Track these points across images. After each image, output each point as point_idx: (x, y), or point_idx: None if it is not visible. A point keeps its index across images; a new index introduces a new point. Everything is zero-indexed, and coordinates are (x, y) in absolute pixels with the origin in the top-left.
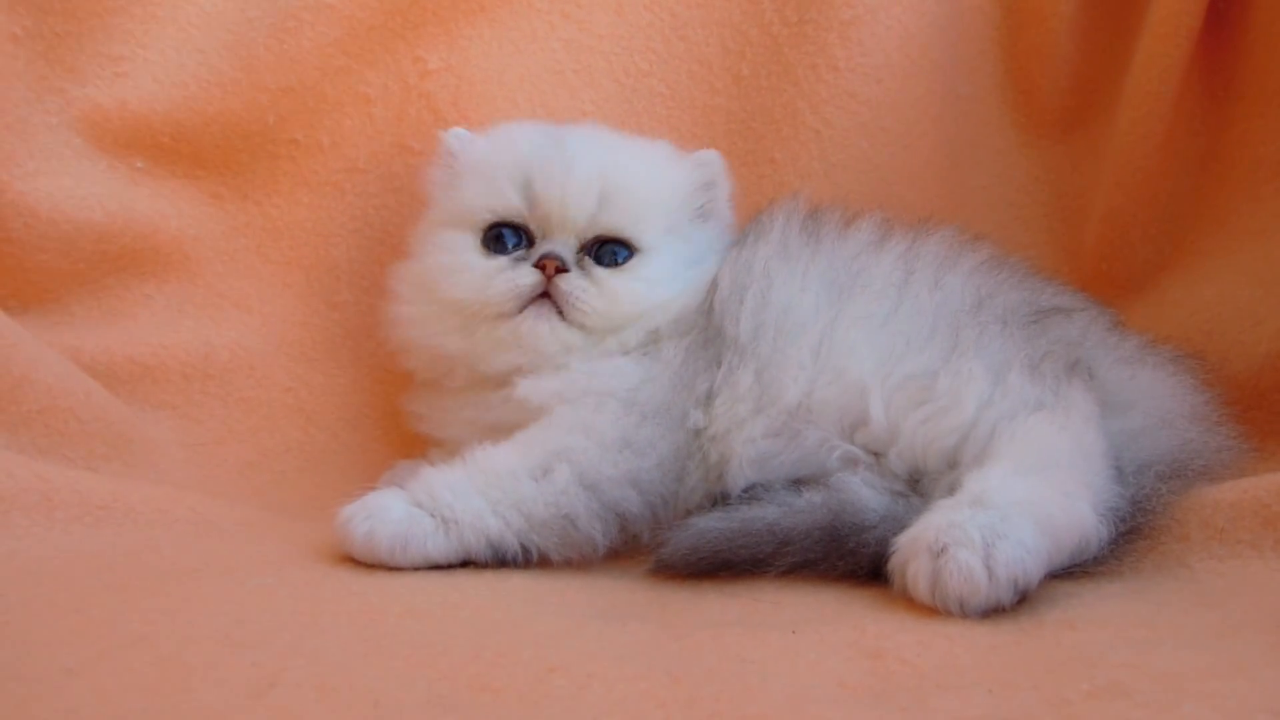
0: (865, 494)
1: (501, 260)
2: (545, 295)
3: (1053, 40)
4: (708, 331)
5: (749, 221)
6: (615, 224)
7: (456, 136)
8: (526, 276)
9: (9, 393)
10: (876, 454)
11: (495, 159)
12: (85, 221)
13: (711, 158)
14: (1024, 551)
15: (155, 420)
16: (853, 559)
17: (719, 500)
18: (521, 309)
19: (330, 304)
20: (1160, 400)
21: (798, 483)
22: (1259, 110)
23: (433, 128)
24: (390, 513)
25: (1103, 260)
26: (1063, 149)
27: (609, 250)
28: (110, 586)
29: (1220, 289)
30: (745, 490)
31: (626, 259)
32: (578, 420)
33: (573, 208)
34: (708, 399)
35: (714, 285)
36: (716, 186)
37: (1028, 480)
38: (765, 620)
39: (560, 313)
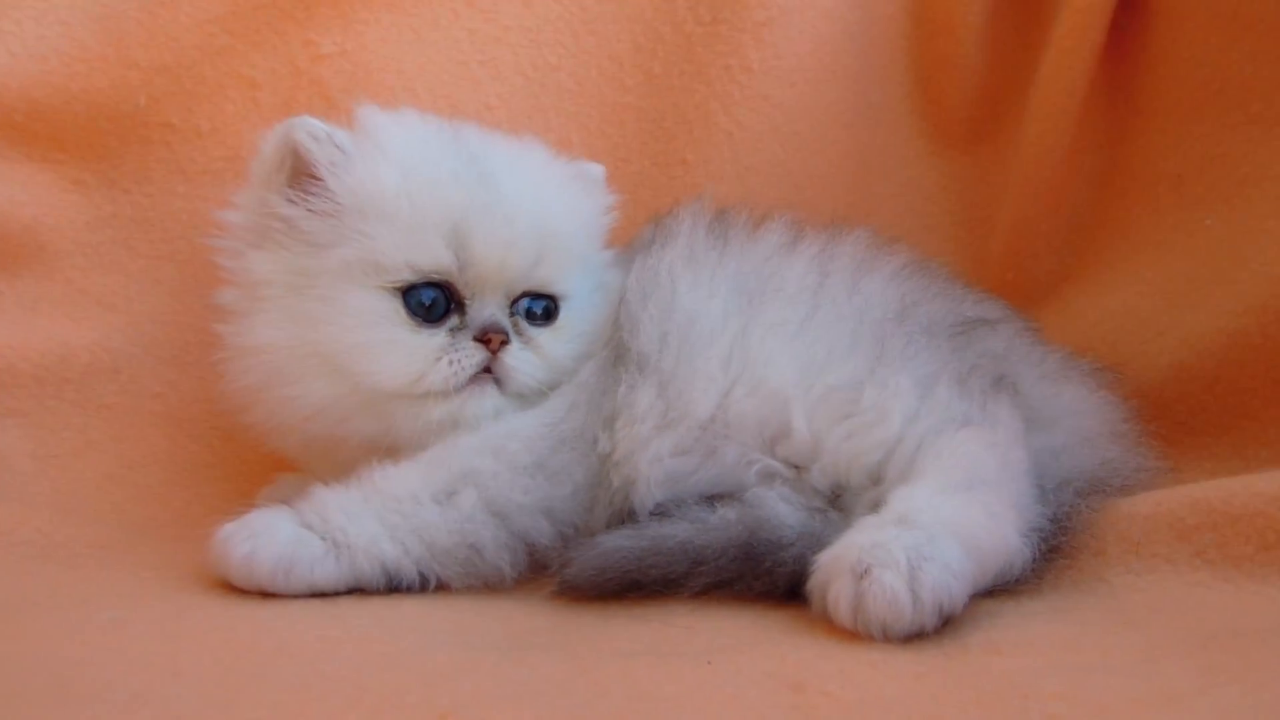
0: (782, 510)
1: (438, 334)
2: (485, 369)
3: (961, 51)
4: (617, 347)
5: (647, 225)
6: (545, 278)
7: (325, 135)
8: (471, 356)
9: None
10: (797, 467)
11: (415, 199)
12: None
13: (599, 174)
14: (950, 575)
15: (2, 429)
16: (769, 578)
17: (625, 520)
18: (461, 388)
19: (205, 303)
20: (1082, 417)
21: (711, 499)
22: (1159, 125)
23: (324, 116)
24: (276, 533)
25: (1009, 270)
26: (970, 159)
27: (538, 305)
28: None
29: (1123, 300)
30: (655, 508)
31: (550, 311)
32: (487, 441)
33: (511, 267)
34: (609, 420)
35: (623, 298)
36: (607, 202)
37: (954, 499)
38: (678, 649)
39: (498, 383)
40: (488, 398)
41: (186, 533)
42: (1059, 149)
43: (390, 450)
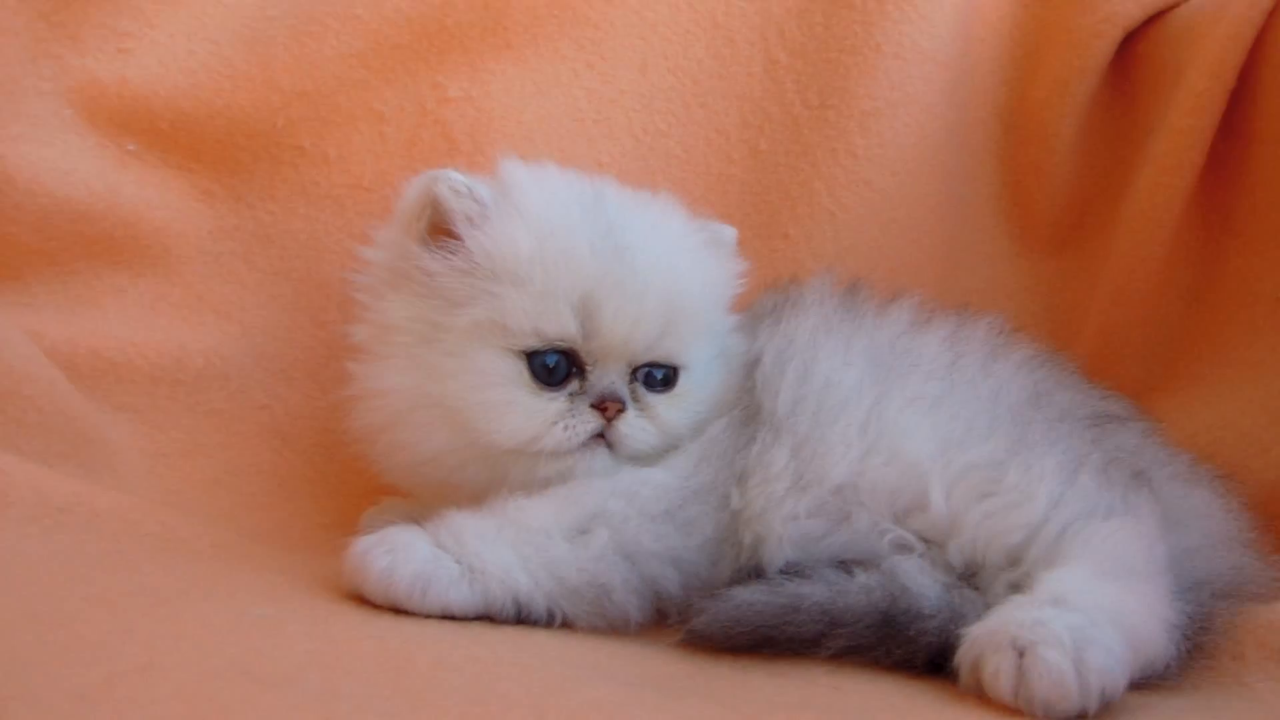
0: (923, 581)
1: (558, 399)
2: (599, 434)
3: (1051, 160)
4: (749, 408)
5: (767, 292)
6: (669, 351)
7: (466, 190)
8: (588, 422)
9: None
10: (928, 541)
11: (550, 269)
12: (65, 198)
13: (732, 238)
14: (1112, 660)
15: (115, 422)
16: (910, 648)
17: (749, 576)
18: (574, 450)
19: (316, 322)
20: (1212, 521)
21: (842, 563)
22: (1256, 248)
23: (446, 156)
24: (414, 551)
25: (1093, 375)
26: (1055, 264)
27: (658, 373)
28: (92, 600)
29: (1220, 415)
30: (784, 567)
31: (670, 379)
32: (620, 485)
33: (636, 341)
34: (742, 477)
35: (757, 361)
36: (736, 268)
37: (1109, 586)
38: (833, 706)
39: (610, 446)
40: (598, 460)
41: (298, 542)
42: (1152, 261)
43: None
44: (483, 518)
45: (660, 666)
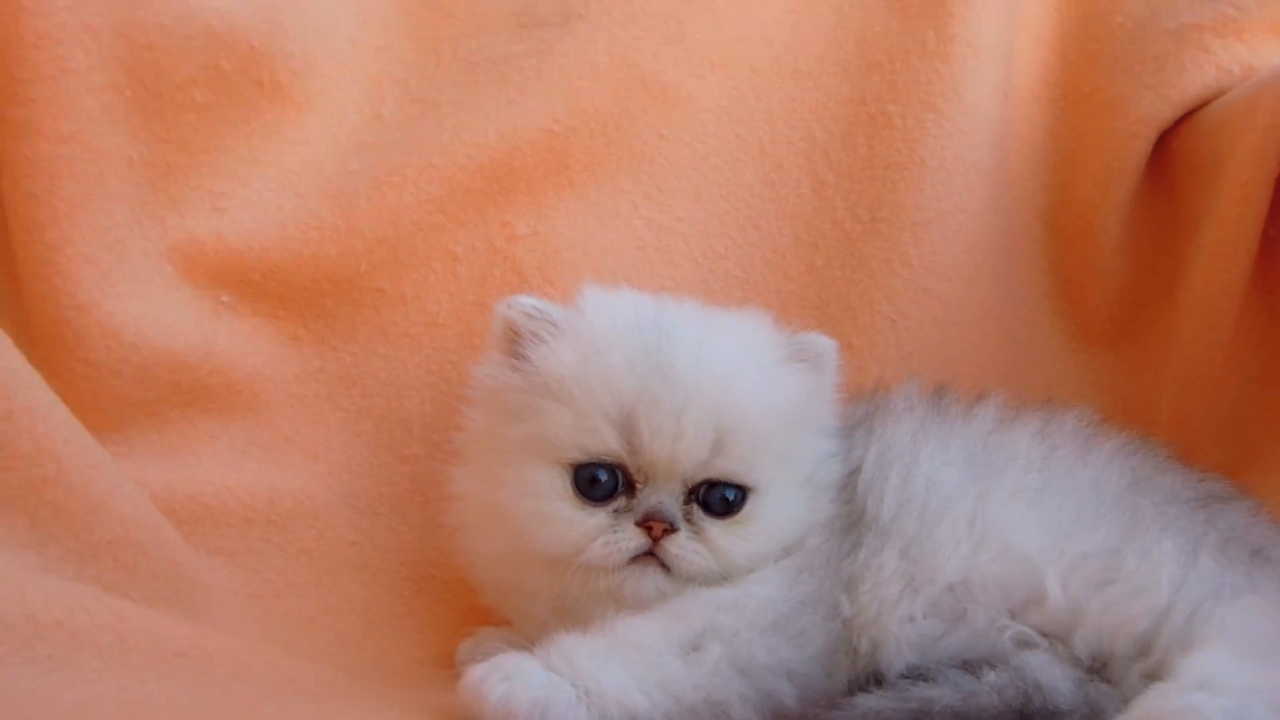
0: (1055, 675)
1: (600, 514)
2: (650, 553)
3: (1100, 256)
4: (849, 517)
5: (853, 402)
6: (728, 470)
7: (537, 313)
8: (630, 540)
9: (84, 518)
10: (1049, 636)
11: (588, 385)
12: (165, 350)
13: (829, 349)
14: None
15: (212, 566)
16: None
17: (866, 684)
18: (623, 566)
19: (400, 457)
20: None
21: (965, 664)
22: None
23: (515, 289)
24: (529, 677)
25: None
26: (1114, 357)
27: (719, 493)
28: None
29: None
30: (905, 672)
31: (739, 500)
32: (726, 598)
33: (682, 459)
34: (850, 585)
35: (857, 469)
36: (832, 383)
37: (1254, 665)
38: None
39: (666, 568)
40: (648, 579)
41: (398, 678)
42: (1217, 348)
43: (574, 611)
44: (592, 639)
45: None
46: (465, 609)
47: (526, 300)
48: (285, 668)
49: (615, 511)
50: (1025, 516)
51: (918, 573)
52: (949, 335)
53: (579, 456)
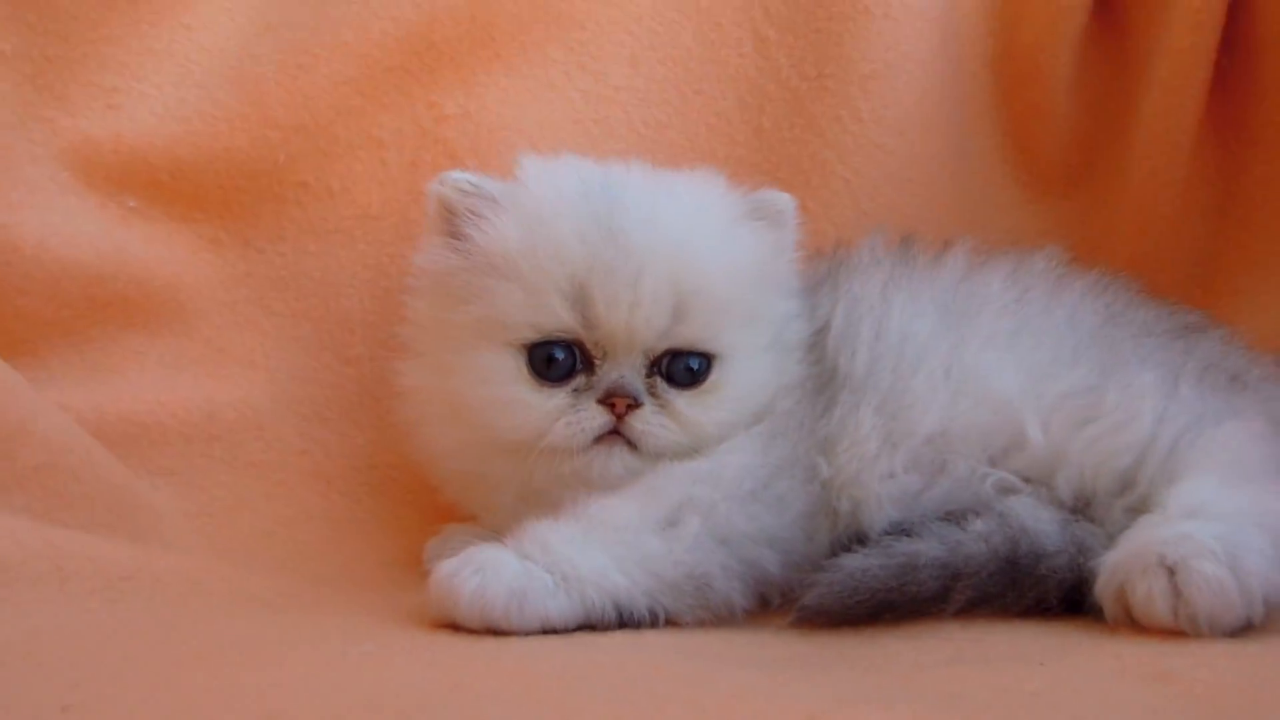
0: (1040, 518)
1: (559, 395)
2: (615, 431)
3: (1051, 101)
4: (820, 377)
5: (814, 262)
6: (690, 337)
7: (472, 189)
8: (593, 419)
9: (3, 444)
10: (1031, 480)
11: (536, 259)
12: (73, 263)
13: (787, 205)
14: (1267, 563)
15: (155, 486)
16: (1041, 588)
17: (849, 546)
18: (588, 447)
19: (343, 359)
20: None
21: (948, 516)
22: (1275, 155)
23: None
24: (502, 568)
25: None
26: (1070, 203)
27: (683, 363)
28: (184, 662)
29: (1264, 323)
30: (889, 529)
31: (704, 369)
32: (700, 470)
33: (642, 329)
34: (827, 445)
35: (824, 328)
36: (792, 241)
37: (1243, 491)
38: (988, 655)
39: (633, 445)
40: (616, 458)
41: (366, 582)
42: (1173, 185)
43: (541, 498)
44: (566, 523)
45: (784, 648)
46: (428, 508)
47: (459, 175)
48: (243, 582)
49: (575, 391)
50: (1002, 361)
51: (895, 427)
52: (904, 192)
53: (532, 335)
